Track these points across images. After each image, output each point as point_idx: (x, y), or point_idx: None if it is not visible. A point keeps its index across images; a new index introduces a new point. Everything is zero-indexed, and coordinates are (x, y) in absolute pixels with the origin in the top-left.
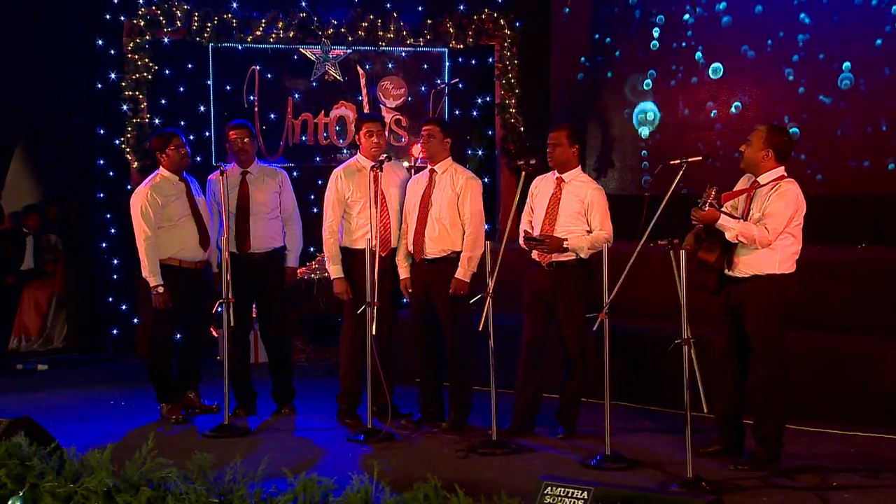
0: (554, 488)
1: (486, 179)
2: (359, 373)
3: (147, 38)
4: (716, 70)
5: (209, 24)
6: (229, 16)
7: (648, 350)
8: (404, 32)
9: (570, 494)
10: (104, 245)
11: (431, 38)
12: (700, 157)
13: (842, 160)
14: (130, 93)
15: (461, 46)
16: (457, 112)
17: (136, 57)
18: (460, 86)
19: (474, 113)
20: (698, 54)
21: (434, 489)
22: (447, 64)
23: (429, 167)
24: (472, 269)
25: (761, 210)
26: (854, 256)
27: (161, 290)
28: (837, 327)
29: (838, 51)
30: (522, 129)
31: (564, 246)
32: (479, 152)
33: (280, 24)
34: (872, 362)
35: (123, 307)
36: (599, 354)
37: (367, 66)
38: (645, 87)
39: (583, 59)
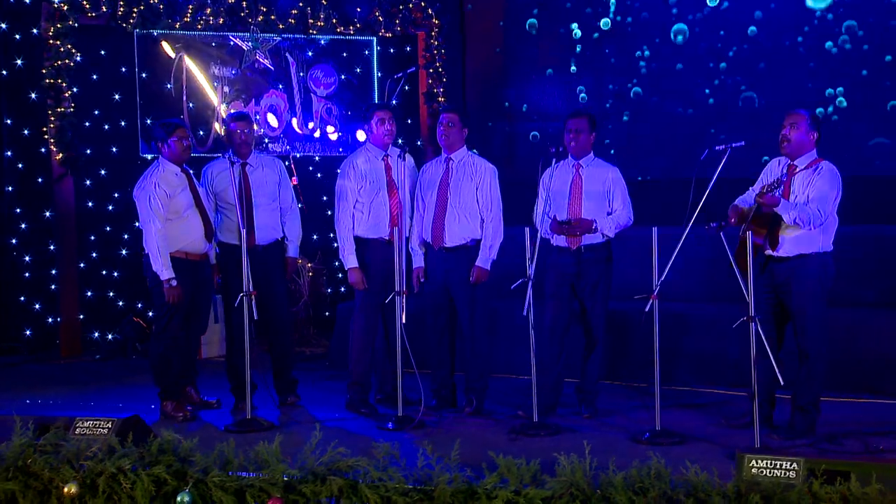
0: (759, 461)
1: None
2: (370, 362)
3: (70, 23)
4: (637, 56)
5: (135, 10)
6: (156, 1)
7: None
8: (334, 21)
9: (778, 466)
10: (14, 241)
11: (361, 27)
12: (743, 143)
13: None
14: (52, 80)
15: (390, 35)
16: (370, 100)
17: (59, 42)
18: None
19: (394, 101)
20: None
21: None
22: (375, 52)
23: (444, 155)
24: (492, 257)
25: (805, 192)
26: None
27: (174, 283)
28: None
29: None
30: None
31: (594, 228)
32: (399, 140)
33: (208, 11)
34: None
35: (37, 306)
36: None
37: (298, 55)
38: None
39: (497, 49)
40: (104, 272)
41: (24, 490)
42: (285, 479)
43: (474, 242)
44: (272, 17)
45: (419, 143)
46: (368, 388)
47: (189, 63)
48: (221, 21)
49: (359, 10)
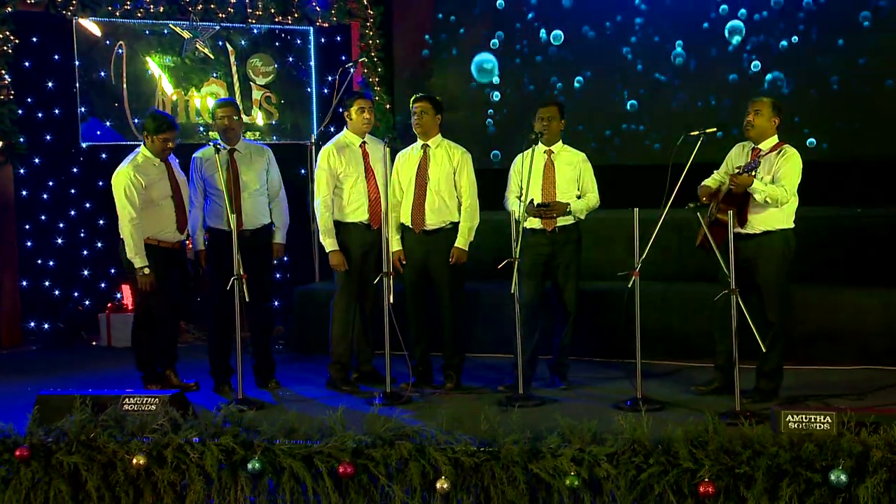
0: (794, 415)
1: None
2: (350, 342)
3: (7, 9)
4: (558, 46)
5: None
6: None
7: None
8: (272, 10)
9: (813, 420)
10: None
11: (298, 16)
12: (715, 129)
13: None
14: None
15: (326, 25)
16: (307, 89)
17: None
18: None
19: (325, 91)
20: (542, 32)
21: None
22: (313, 42)
23: (420, 142)
24: (470, 238)
25: (771, 173)
26: None
27: (147, 271)
28: None
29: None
30: (389, 106)
31: (568, 210)
32: (331, 128)
33: (148, 0)
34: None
35: None
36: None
37: (237, 43)
38: (487, 67)
39: (427, 36)
40: (39, 261)
41: (88, 463)
42: (353, 445)
43: (452, 225)
44: (211, 5)
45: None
46: (349, 367)
47: (129, 51)
48: (162, 9)
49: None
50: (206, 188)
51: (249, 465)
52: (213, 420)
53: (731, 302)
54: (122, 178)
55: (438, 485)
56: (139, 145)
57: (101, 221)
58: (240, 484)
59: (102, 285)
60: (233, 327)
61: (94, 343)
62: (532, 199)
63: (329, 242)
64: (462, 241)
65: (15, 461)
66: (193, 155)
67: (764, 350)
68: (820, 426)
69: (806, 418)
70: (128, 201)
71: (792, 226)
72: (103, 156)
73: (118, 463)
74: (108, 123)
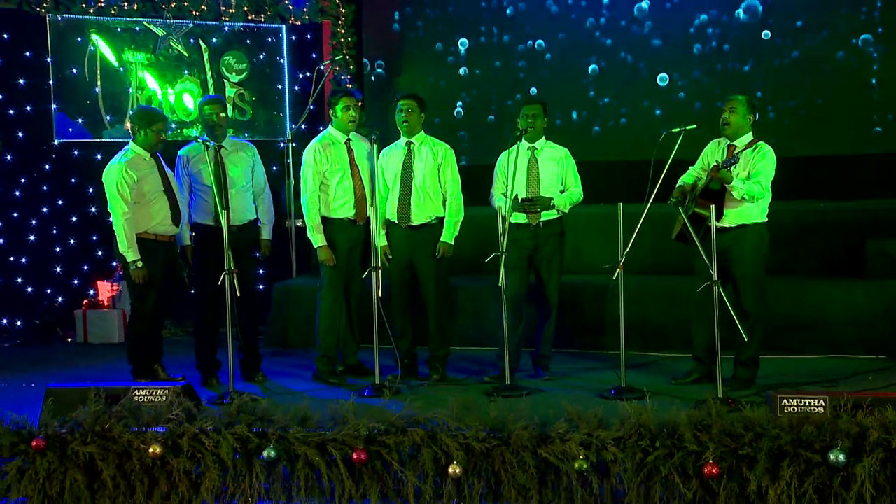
0: (790, 399)
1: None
2: (337, 336)
3: None
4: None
5: None
6: None
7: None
8: (245, 8)
9: (807, 403)
10: None
11: (271, 14)
12: (696, 125)
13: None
14: None
15: (299, 23)
16: (279, 86)
17: None
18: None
19: (297, 89)
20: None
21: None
22: (285, 39)
23: (405, 139)
24: (456, 232)
25: (747, 169)
26: None
27: (140, 264)
28: None
29: None
30: (360, 103)
31: (551, 205)
32: (303, 126)
33: None
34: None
35: None
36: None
37: (210, 41)
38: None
39: (396, 26)
40: (12, 258)
41: (103, 453)
42: (367, 432)
43: (437, 220)
44: (185, 3)
45: (321, 128)
46: (336, 360)
47: (102, 48)
48: (136, 7)
49: None
50: (193, 184)
51: (265, 453)
52: (228, 409)
53: (712, 293)
54: (114, 174)
55: (450, 470)
56: (113, 143)
57: (74, 218)
58: (254, 472)
59: (75, 282)
60: (219, 322)
61: (69, 340)
62: (517, 195)
63: (317, 238)
64: (448, 236)
65: (31, 452)
66: (179, 152)
67: (746, 339)
68: (815, 409)
69: (801, 402)
70: (120, 196)
71: (765, 220)
72: (76, 153)
73: (133, 452)
74: (80, 120)
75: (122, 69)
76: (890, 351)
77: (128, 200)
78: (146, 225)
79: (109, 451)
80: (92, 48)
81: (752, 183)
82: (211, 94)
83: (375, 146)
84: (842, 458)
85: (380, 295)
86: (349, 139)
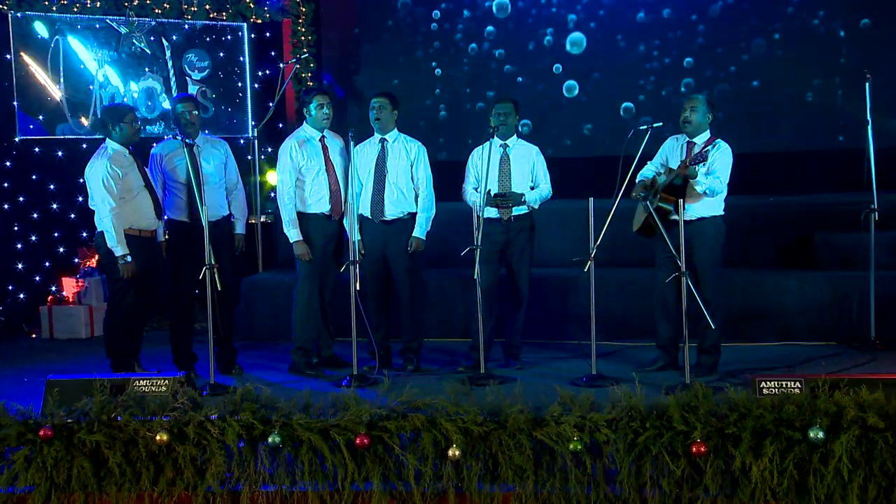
0: (768, 381)
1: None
2: (313, 329)
3: None
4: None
5: None
6: None
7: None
8: (207, 6)
9: (784, 385)
10: None
11: (233, 12)
12: (662, 123)
13: None
14: None
15: (260, 21)
16: (241, 84)
17: None
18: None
19: (256, 86)
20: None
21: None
22: (247, 37)
23: (378, 136)
24: (428, 228)
25: (707, 166)
26: None
27: (129, 259)
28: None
29: None
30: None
31: (523, 201)
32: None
33: None
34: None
35: None
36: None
37: (172, 39)
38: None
39: (356, 30)
40: None
41: (109, 441)
42: (368, 418)
43: (410, 215)
44: (147, 0)
45: (280, 125)
46: (312, 353)
47: (65, 46)
48: (98, 5)
49: None
50: (167, 181)
51: (269, 439)
52: (232, 398)
53: (675, 284)
54: (100, 170)
55: (450, 453)
56: (73, 139)
57: (35, 215)
58: (259, 457)
59: (37, 279)
60: (194, 316)
61: (34, 336)
62: (489, 190)
63: (294, 233)
64: (420, 231)
65: (38, 441)
66: (152, 151)
67: (713, 327)
68: (791, 390)
69: (778, 384)
70: (107, 191)
71: (722, 213)
72: (36, 149)
73: (139, 440)
74: (41, 118)
75: (84, 66)
76: (839, 337)
77: (115, 195)
78: (130, 221)
79: (116, 439)
80: (54, 45)
81: (712, 178)
82: (177, 92)
83: (352, 141)
84: (821, 435)
85: (358, 288)
86: (323, 136)
